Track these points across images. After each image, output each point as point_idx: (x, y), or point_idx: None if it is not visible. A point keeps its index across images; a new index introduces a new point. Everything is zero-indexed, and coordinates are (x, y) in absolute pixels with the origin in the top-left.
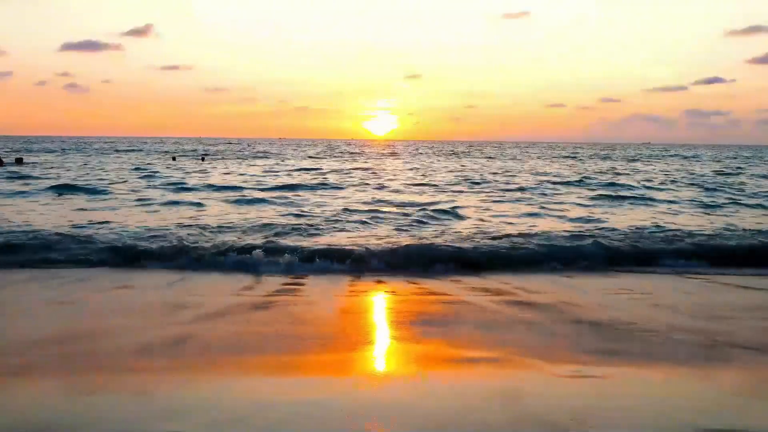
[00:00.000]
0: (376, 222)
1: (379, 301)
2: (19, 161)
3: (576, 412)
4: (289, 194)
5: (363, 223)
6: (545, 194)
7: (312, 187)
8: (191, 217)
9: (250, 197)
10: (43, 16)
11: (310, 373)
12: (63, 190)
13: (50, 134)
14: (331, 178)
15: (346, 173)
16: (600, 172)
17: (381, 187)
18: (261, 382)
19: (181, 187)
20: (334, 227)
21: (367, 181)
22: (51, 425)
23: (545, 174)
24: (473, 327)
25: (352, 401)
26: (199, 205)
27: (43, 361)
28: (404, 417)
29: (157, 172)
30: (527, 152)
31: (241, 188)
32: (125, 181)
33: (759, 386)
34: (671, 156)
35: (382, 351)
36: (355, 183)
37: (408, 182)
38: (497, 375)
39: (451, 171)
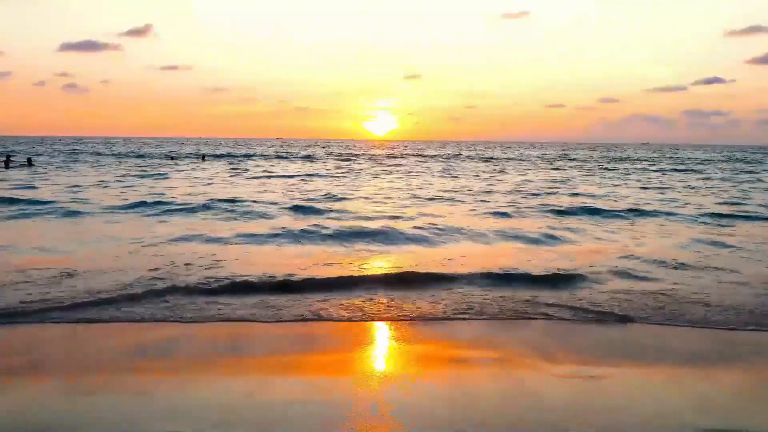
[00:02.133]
0: None
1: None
2: (29, 162)
3: (576, 412)
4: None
5: None
6: None
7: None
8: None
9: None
10: (42, 16)
11: (310, 373)
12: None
13: (49, 134)
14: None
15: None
16: None
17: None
18: (261, 382)
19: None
20: None
21: None
22: (51, 425)
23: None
24: (473, 327)
25: (352, 401)
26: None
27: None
28: (404, 417)
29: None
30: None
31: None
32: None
33: (759, 386)
34: None
35: (382, 351)
36: None
37: None
38: (497, 375)
39: None
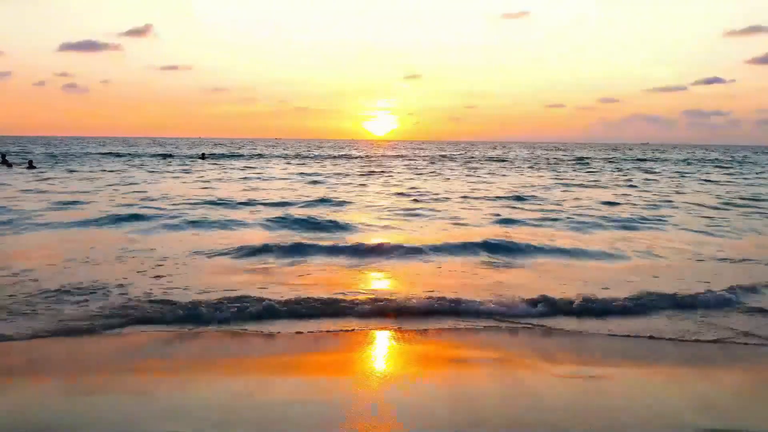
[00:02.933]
0: None
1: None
2: (30, 164)
3: (576, 412)
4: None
5: None
6: None
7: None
8: None
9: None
10: (42, 16)
11: (310, 373)
12: None
13: (49, 134)
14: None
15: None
16: None
17: None
18: (261, 382)
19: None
20: None
21: None
22: (51, 425)
23: None
24: (474, 327)
25: (352, 401)
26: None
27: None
28: (404, 417)
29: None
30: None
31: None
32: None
33: (759, 386)
34: None
35: (382, 351)
36: None
37: None
38: (497, 375)
39: None
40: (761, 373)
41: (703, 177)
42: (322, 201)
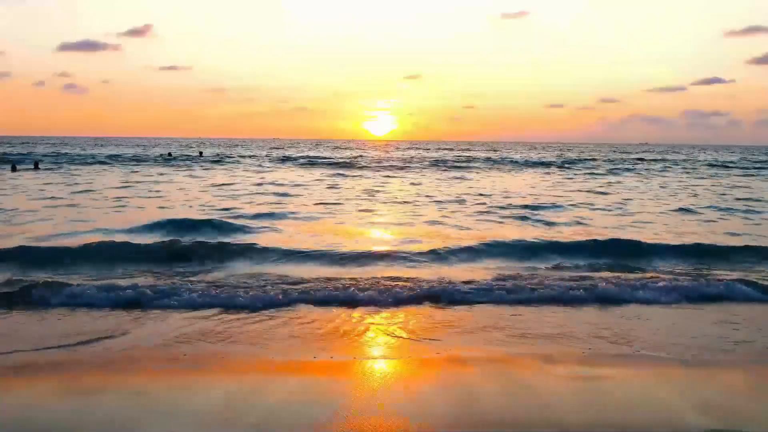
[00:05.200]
0: None
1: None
2: (36, 166)
3: (576, 412)
4: None
5: None
6: None
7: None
8: None
9: None
10: (42, 16)
11: (309, 373)
12: None
13: (50, 134)
14: None
15: None
16: None
17: None
18: (261, 382)
19: None
20: None
21: None
22: (51, 425)
23: None
24: (474, 327)
25: (352, 401)
26: None
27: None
28: (404, 417)
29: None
30: None
31: None
32: None
33: (759, 386)
34: None
35: (382, 351)
36: None
37: None
38: (497, 375)
39: None
40: (761, 373)
41: None
42: None
